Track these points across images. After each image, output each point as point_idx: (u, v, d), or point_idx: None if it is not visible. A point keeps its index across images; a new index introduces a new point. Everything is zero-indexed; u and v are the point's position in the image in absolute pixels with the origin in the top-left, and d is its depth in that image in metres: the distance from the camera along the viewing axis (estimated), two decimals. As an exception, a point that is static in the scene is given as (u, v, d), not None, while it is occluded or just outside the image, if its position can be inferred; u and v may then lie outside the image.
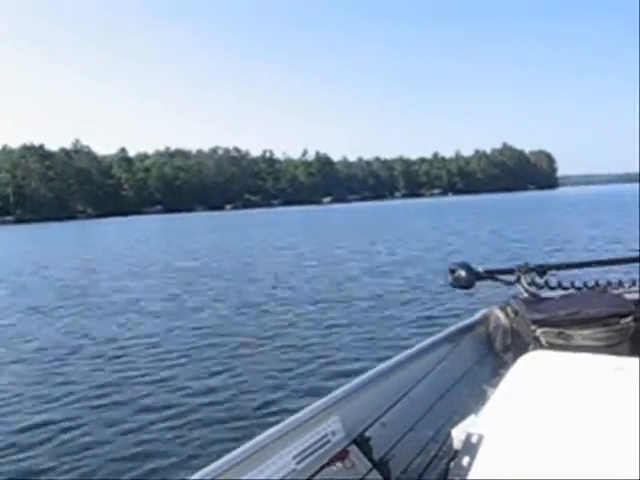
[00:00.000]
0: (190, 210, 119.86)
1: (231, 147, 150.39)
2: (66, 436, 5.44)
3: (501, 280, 2.75)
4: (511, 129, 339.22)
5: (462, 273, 2.66)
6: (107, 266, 21.49)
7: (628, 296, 2.57)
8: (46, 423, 5.81)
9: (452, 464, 1.16)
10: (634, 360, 1.24)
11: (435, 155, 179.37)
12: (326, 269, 16.50)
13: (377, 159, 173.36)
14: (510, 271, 2.75)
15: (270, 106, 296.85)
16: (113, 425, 5.65)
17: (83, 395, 6.61)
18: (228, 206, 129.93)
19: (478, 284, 2.69)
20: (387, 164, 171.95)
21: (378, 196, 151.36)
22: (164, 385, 6.76)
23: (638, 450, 0.94)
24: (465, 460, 1.08)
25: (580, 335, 2.24)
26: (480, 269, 2.72)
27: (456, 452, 1.21)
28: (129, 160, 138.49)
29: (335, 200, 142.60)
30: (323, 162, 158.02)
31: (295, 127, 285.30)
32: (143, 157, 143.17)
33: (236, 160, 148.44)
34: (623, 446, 0.96)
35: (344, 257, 19.57)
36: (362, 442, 1.85)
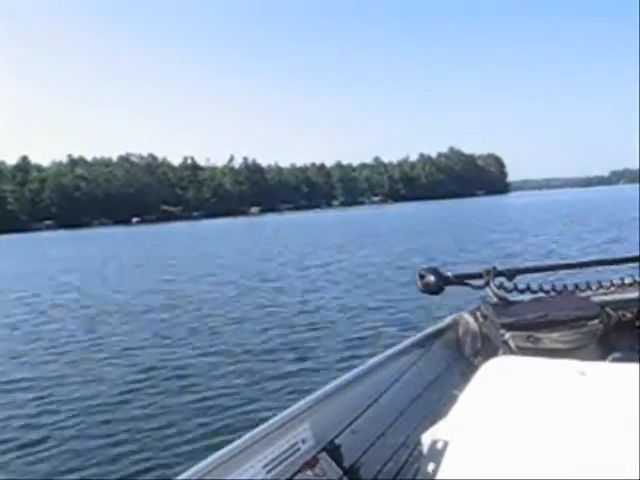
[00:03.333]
0: (87, 225, 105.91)
1: (146, 154, 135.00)
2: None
3: (470, 285, 2.74)
4: (463, 134, 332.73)
5: (431, 278, 2.65)
6: None
7: (595, 299, 2.63)
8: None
9: (420, 470, 1.18)
10: (599, 364, 1.26)
11: (376, 160, 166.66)
12: (291, 281, 15.82)
13: (313, 165, 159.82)
14: (479, 275, 2.73)
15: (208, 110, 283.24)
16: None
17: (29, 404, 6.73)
18: (135, 219, 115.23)
19: (447, 289, 2.70)
20: (324, 170, 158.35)
21: (313, 205, 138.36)
22: (128, 399, 6.66)
23: (602, 452, 0.96)
24: (431, 466, 1.10)
25: (548, 338, 2.29)
26: (449, 274, 2.72)
27: (424, 458, 1.23)
28: (26, 170, 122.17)
29: (265, 210, 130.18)
30: (252, 169, 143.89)
31: (239, 132, 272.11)
32: (43, 167, 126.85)
33: (151, 168, 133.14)
34: (587, 450, 0.98)
35: (305, 268, 18.81)
36: (332, 449, 1.85)
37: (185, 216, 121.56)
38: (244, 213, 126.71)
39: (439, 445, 1.13)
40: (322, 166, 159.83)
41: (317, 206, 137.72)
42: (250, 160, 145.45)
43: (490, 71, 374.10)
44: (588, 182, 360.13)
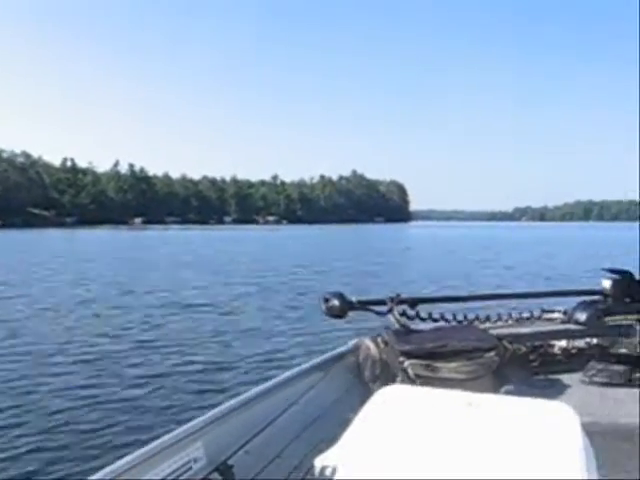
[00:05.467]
0: None
1: (19, 151, 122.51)
2: None
3: (373, 310, 2.83)
4: (371, 160, 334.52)
5: (335, 302, 2.72)
6: None
7: (493, 331, 2.76)
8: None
9: None
10: (487, 396, 1.30)
11: (275, 178, 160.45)
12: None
13: (205, 178, 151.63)
14: (383, 302, 2.83)
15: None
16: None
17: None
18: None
19: (351, 314, 2.77)
20: (217, 184, 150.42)
21: (203, 220, 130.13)
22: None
23: None
24: None
25: (446, 368, 2.36)
26: (353, 299, 2.79)
27: None
28: None
29: (149, 222, 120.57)
30: (138, 177, 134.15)
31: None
32: None
33: (24, 166, 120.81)
34: (469, 478, 1.00)
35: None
36: (225, 470, 1.83)
37: (58, 222, 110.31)
38: (126, 223, 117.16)
39: (328, 471, 1.14)
40: (215, 180, 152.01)
41: (207, 221, 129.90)
42: (137, 167, 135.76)
43: (407, 94, 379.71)
44: (492, 216, 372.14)
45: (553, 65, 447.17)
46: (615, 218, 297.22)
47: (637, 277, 3.16)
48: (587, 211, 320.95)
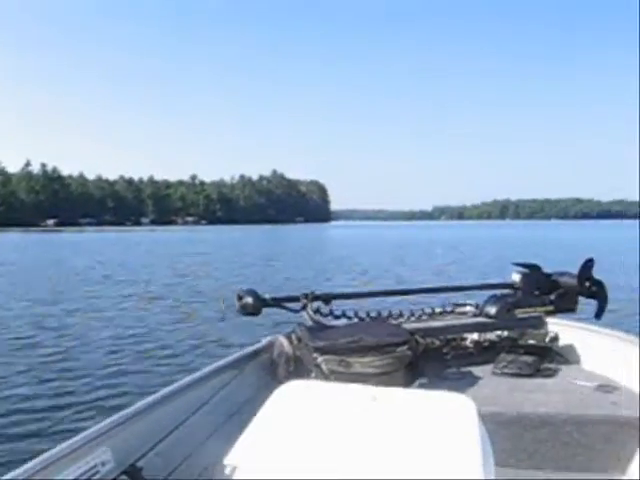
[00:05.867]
0: None
1: None
2: None
3: (287, 308, 2.87)
4: (292, 162, 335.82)
5: (249, 300, 2.74)
6: None
7: (406, 326, 2.80)
8: None
9: None
10: (389, 390, 1.32)
11: (193, 178, 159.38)
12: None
13: (122, 178, 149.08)
14: (297, 299, 2.86)
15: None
16: None
17: None
18: None
19: (266, 311, 2.80)
20: (134, 185, 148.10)
21: (120, 221, 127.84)
22: None
23: (384, 473, 1.00)
24: None
25: (359, 363, 2.38)
26: (267, 296, 2.82)
27: None
28: None
29: (62, 224, 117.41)
30: (50, 177, 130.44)
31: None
32: None
33: None
34: (374, 474, 1.01)
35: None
36: (134, 472, 1.79)
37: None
38: (37, 225, 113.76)
39: (228, 470, 1.14)
40: (132, 180, 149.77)
41: (123, 223, 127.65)
42: (50, 168, 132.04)
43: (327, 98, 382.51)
44: (412, 216, 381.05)
45: (458, 66, 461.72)
46: (530, 216, 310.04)
47: (545, 271, 3.24)
48: (504, 210, 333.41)
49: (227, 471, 1.14)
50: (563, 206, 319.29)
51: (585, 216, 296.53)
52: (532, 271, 3.23)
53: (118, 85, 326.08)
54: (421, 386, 2.40)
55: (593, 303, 3.12)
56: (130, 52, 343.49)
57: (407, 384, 2.36)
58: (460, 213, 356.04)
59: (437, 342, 2.93)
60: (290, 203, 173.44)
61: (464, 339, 3.08)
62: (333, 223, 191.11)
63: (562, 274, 3.17)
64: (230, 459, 1.17)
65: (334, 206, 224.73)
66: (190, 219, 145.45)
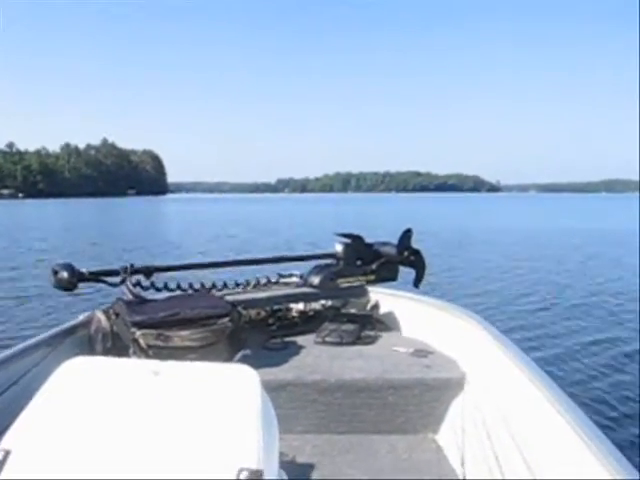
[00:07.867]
0: None
1: None
2: None
3: (106, 282, 2.78)
4: (131, 133, 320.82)
5: (64, 274, 2.62)
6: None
7: (230, 297, 2.77)
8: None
9: None
10: (173, 364, 1.30)
11: (10, 146, 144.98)
12: None
13: None
14: (116, 272, 2.78)
15: None
16: None
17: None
18: None
19: (83, 285, 2.70)
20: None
21: None
22: None
23: (171, 453, 1.00)
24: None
25: (178, 336, 2.35)
26: (84, 270, 2.70)
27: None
28: None
29: None
30: None
31: None
32: None
33: None
34: (156, 450, 1.01)
35: None
36: None
37: None
38: None
39: (1, 455, 1.07)
40: None
41: None
42: None
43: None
44: (256, 188, 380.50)
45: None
46: (371, 189, 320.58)
47: (367, 241, 3.25)
48: (345, 182, 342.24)
49: (1, 457, 1.07)
50: (403, 179, 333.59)
51: (424, 189, 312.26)
52: (354, 241, 3.24)
53: None
54: (244, 357, 2.43)
55: (413, 272, 3.21)
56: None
57: (229, 356, 2.37)
58: (303, 186, 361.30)
59: (263, 313, 3.01)
60: (121, 175, 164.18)
61: (290, 309, 3.14)
62: (170, 196, 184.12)
63: (384, 244, 3.23)
64: (7, 443, 1.09)
65: (177, 178, 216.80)
66: (6, 192, 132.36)
